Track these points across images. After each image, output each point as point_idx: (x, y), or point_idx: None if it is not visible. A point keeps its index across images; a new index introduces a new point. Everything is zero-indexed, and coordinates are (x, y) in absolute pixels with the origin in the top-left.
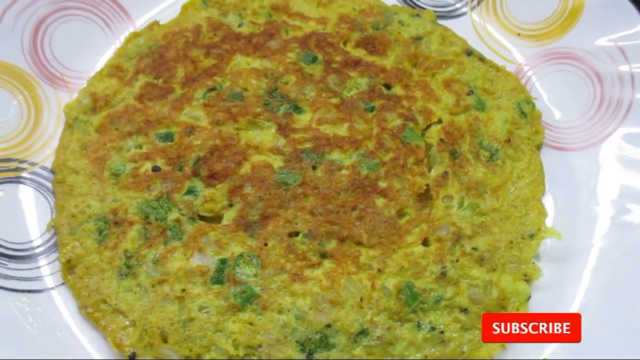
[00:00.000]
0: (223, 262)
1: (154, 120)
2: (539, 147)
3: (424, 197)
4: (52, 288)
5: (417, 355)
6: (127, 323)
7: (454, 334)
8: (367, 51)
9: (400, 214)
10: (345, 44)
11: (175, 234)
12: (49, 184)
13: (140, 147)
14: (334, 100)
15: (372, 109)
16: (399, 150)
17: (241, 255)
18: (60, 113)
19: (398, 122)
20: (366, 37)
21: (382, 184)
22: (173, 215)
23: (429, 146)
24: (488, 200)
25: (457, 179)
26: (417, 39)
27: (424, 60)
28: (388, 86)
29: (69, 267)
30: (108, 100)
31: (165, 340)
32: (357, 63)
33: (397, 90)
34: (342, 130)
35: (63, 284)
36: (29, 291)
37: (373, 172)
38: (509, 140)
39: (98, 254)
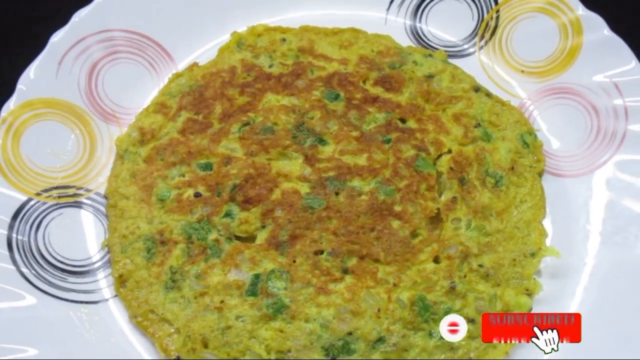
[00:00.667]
0: (257, 276)
1: (195, 152)
2: (540, 174)
3: (435, 219)
4: (107, 300)
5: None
6: (173, 330)
7: (462, 342)
8: (384, 89)
9: (414, 234)
10: (364, 82)
11: (214, 252)
12: (102, 208)
13: (184, 176)
14: (355, 134)
15: (388, 141)
16: (412, 178)
17: (273, 271)
18: (112, 145)
19: (412, 152)
20: (383, 76)
21: (398, 208)
22: (213, 235)
23: (439, 174)
24: (493, 222)
25: (465, 203)
26: (430, 77)
27: (436, 96)
28: (403, 120)
29: (121, 281)
30: (154, 133)
31: (206, 346)
32: (375, 100)
33: (411, 123)
34: (362, 160)
35: (116, 296)
36: (87, 302)
37: (389, 197)
38: (512, 168)
39: (147, 269)
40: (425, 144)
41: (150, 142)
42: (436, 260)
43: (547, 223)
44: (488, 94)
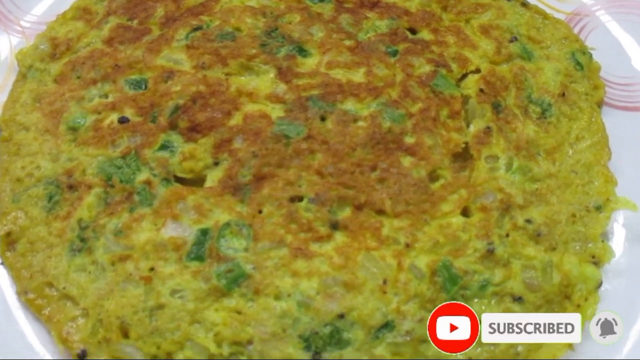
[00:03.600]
0: (204, 232)
1: (124, 65)
2: (599, 105)
3: (462, 157)
4: None
5: (459, 355)
6: (78, 313)
7: None
8: None
9: (433, 176)
10: None
11: (143, 198)
12: None
13: (106, 97)
14: (348, 43)
15: (394, 53)
16: (429, 101)
17: (228, 224)
18: (12, 62)
19: (427, 68)
20: None
21: (409, 140)
22: (142, 175)
23: (466, 98)
24: (542, 163)
25: (503, 136)
26: None
27: (456, 4)
28: (413, 31)
29: (8, 242)
30: (70, 45)
31: (125, 335)
32: (375, 4)
33: (425, 35)
34: (358, 76)
35: (1, 263)
36: None
37: (397, 124)
38: (563, 95)
39: (46, 225)
40: (445, 59)
41: (64, 56)
42: (465, 212)
43: (614, 167)
44: (524, 4)
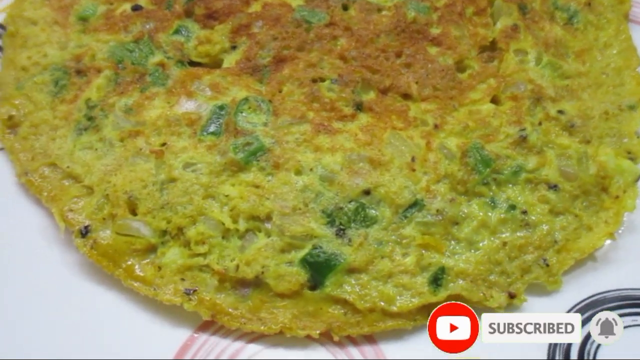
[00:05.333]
0: (221, 108)
1: None
2: (626, 18)
3: (490, 50)
4: None
5: (493, 239)
6: (82, 192)
7: (541, 217)
8: None
9: (460, 67)
10: None
11: (156, 79)
12: None
13: None
14: None
15: None
16: None
17: (246, 99)
18: None
19: None
20: None
21: (435, 30)
22: (155, 58)
23: (491, 2)
24: (572, 62)
25: (531, 33)
26: None
27: None
28: None
29: (9, 126)
30: None
31: (133, 211)
32: None
33: None
34: None
35: (1, 149)
36: None
37: (423, 15)
38: (589, 5)
39: (51, 109)
40: None
41: None
42: (495, 102)
43: None
44: None
